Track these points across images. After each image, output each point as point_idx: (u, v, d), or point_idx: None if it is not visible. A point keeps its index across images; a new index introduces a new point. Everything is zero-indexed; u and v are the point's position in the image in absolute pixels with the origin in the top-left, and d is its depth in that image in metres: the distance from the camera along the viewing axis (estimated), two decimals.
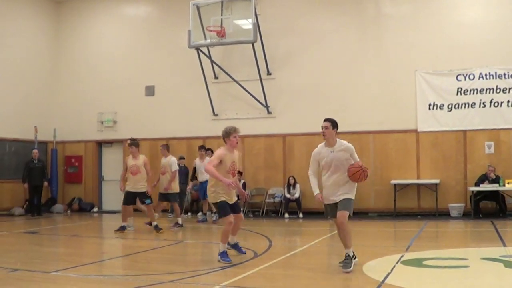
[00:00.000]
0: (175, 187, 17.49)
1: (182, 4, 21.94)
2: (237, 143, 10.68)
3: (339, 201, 9.60)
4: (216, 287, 8.24)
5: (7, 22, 23.42)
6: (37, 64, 24.96)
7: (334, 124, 9.76)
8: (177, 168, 17.59)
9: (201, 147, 19.33)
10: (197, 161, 19.07)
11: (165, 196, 17.37)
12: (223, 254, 10.46)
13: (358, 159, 9.65)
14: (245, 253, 11.25)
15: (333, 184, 9.59)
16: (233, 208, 10.77)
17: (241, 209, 11.78)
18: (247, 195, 13.38)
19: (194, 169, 19.26)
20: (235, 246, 11.28)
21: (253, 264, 10.29)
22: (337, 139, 9.78)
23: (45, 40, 25.59)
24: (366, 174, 9.48)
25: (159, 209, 18.27)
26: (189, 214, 21.36)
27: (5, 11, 23.40)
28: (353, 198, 9.70)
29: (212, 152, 20.45)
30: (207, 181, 17.25)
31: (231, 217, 10.52)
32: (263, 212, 21.40)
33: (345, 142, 9.76)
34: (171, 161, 17.40)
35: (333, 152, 9.57)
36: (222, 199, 10.54)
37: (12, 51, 23.55)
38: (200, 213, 20.86)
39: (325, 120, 9.79)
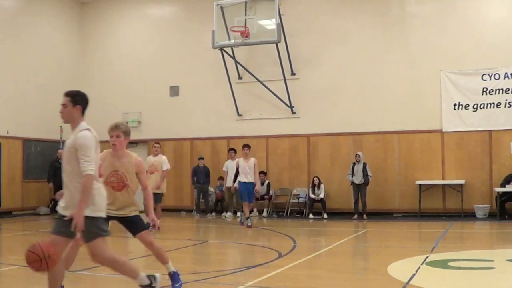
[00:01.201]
0: (163, 188, 16.58)
1: (206, 4, 21.95)
2: (114, 144, 8.39)
3: None
4: (240, 287, 8.25)
5: (32, 23, 23.58)
6: (62, 64, 25.12)
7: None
8: (169, 167, 16.77)
9: (245, 146, 18.29)
10: (240, 161, 18.13)
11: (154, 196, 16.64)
12: None
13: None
14: None
15: None
16: None
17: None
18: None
19: (237, 169, 18.11)
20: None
21: (277, 264, 10.27)
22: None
23: (70, 40, 25.76)
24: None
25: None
26: (214, 213, 21.38)
27: (30, 12, 23.57)
28: None
29: (236, 152, 20.56)
30: (251, 182, 17.41)
31: None
32: (287, 212, 21.37)
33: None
34: (162, 160, 16.56)
35: None
36: None
37: (37, 52, 23.72)
38: (227, 213, 20.89)
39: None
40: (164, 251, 8.45)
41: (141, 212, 8.37)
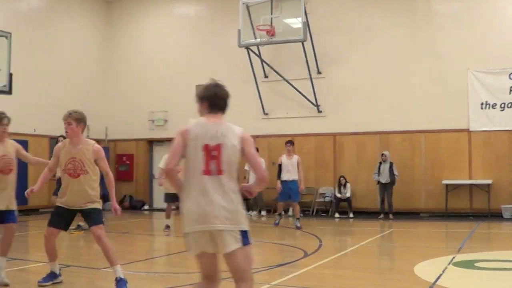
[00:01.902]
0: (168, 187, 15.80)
1: (232, 3, 21.96)
2: (66, 132, 8.74)
3: None
4: (265, 286, 8.25)
5: (60, 22, 23.81)
6: (89, 63, 25.32)
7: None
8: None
9: (289, 142, 17.75)
10: (283, 158, 17.58)
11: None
12: None
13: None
14: None
15: None
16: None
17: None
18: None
19: (280, 166, 17.60)
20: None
21: (303, 263, 10.28)
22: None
23: (97, 39, 25.97)
24: None
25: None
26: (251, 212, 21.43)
27: (58, 11, 23.78)
28: None
29: (257, 151, 20.47)
30: (294, 180, 17.18)
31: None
32: (313, 211, 21.36)
33: None
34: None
35: None
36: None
37: (64, 51, 23.93)
38: (253, 212, 20.92)
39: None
40: (113, 252, 8.25)
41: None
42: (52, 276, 8.58)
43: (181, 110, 24.05)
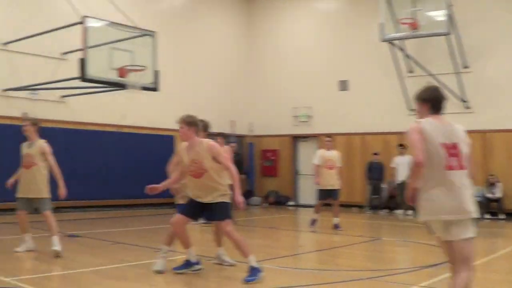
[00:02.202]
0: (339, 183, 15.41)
1: None
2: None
3: None
4: (414, 287, 8.08)
5: (202, 21, 24.44)
6: (232, 60, 25.80)
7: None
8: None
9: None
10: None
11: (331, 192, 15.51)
12: None
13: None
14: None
15: None
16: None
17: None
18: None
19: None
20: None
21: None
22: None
23: (239, 37, 26.41)
24: None
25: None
26: (386, 210, 21.16)
27: (200, 10, 24.38)
28: None
29: (405, 148, 20.20)
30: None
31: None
32: None
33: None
34: (339, 156, 15.55)
35: None
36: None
37: (207, 49, 24.51)
38: (399, 210, 20.61)
39: None
40: (244, 244, 8.64)
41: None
42: (187, 264, 9.03)
43: (325, 105, 24.09)
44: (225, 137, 15.32)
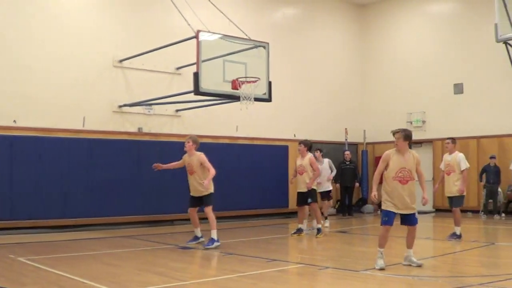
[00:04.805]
0: (463, 189, 14.54)
1: None
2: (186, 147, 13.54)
3: None
4: None
5: (314, 29, 24.63)
6: (345, 68, 25.86)
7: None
8: (467, 166, 14.71)
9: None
10: None
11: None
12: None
13: None
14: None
15: None
16: None
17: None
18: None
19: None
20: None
21: None
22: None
23: (351, 44, 26.42)
24: None
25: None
26: (503, 214, 20.64)
27: (312, 19, 24.54)
28: None
29: None
30: None
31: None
32: None
33: None
34: (459, 158, 14.65)
35: None
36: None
37: (322, 59, 24.71)
38: None
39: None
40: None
41: None
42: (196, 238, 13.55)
43: (439, 110, 23.78)
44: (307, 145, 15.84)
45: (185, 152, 13.71)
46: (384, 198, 10.01)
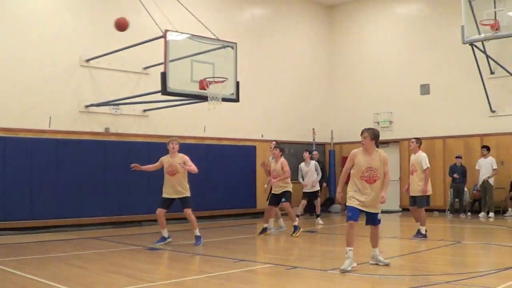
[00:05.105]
0: (427, 189, 14.56)
1: None
2: (173, 148, 13.64)
3: None
4: None
5: (282, 30, 24.68)
6: (312, 68, 25.95)
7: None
8: (428, 166, 14.55)
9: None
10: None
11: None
12: None
13: None
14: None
15: None
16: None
17: None
18: None
19: None
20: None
21: None
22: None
23: (321, 44, 26.54)
24: None
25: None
26: (469, 214, 20.87)
27: (280, 20, 24.60)
28: None
29: (489, 149, 20.04)
30: None
31: None
32: None
33: None
34: (421, 158, 14.60)
35: None
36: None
37: (289, 59, 24.79)
38: (481, 213, 20.34)
39: None
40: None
41: None
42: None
43: (406, 110, 23.99)
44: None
45: (160, 155, 13.82)
46: (349, 195, 10.01)
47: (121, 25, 15.51)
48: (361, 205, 10.01)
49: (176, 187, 13.49)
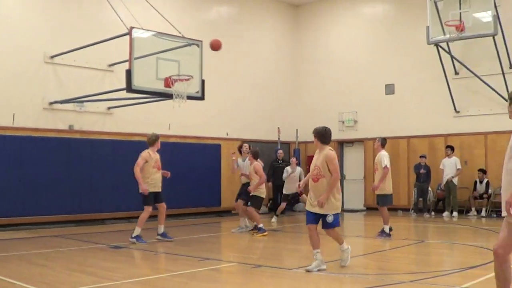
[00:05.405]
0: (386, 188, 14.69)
1: (419, 0, 21.60)
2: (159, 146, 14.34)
3: None
4: None
5: (248, 28, 24.61)
6: (278, 67, 25.92)
7: None
8: (387, 165, 14.62)
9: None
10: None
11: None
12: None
13: None
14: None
15: None
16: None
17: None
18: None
19: None
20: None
21: None
22: None
23: (286, 43, 26.53)
24: None
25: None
26: (433, 213, 21.04)
27: (246, 18, 24.55)
28: None
29: (453, 149, 20.26)
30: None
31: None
32: None
33: None
34: (381, 157, 14.73)
35: None
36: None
37: (253, 56, 24.69)
38: (445, 212, 20.53)
39: None
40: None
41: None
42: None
43: (371, 110, 24.11)
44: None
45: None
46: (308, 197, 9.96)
47: (216, 46, 15.78)
48: (310, 207, 9.72)
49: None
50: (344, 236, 10.64)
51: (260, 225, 15.30)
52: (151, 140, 14.28)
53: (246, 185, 16.06)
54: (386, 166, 14.41)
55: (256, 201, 15.44)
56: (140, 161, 13.81)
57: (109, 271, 9.85)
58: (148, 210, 13.77)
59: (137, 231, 13.56)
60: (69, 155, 18.16)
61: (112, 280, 8.96)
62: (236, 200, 16.47)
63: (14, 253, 12.10)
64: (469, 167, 21.15)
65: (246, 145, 17.48)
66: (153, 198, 13.91)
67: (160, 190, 14.13)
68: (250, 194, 15.45)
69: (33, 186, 17.32)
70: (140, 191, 13.64)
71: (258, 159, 15.79)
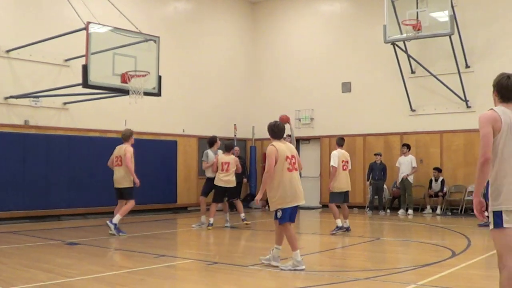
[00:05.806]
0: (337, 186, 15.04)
1: None
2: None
3: None
4: (411, 286, 8.11)
5: (205, 24, 24.48)
6: (235, 64, 25.87)
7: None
8: (334, 165, 14.93)
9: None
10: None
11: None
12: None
13: None
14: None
15: None
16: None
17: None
18: None
19: None
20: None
21: (451, 263, 10.02)
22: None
23: (242, 41, 26.49)
24: None
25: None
26: (388, 211, 21.23)
27: (204, 14, 24.46)
28: None
29: (409, 148, 20.50)
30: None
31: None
32: (462, 210, 20.72)
33: None
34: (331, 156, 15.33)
35: None
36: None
37: (211, 53, 24.57)
38: (400, 210, 20.73)
39: None
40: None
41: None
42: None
43: (327, 107, 24.21)
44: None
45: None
46: None
47: (285, 120, 15.65)
48: None
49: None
50: (299, 233, 10.68)
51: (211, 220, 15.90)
52: (126, 136, 14.75)
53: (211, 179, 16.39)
54: (332, 165, 14.78)
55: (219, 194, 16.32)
56: (129, 156, 14.38)
57: (64, 268, 9.74)
58: (132, 203, 14.37)
59: (117, 218, 14.18)
60: (25, 150, 17.90)
61: (68, 277, 8.87)
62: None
63: None
64: (424, 166, 21.39)
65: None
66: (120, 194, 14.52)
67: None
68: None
69: None
70: (133, 185, 14.51)
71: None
